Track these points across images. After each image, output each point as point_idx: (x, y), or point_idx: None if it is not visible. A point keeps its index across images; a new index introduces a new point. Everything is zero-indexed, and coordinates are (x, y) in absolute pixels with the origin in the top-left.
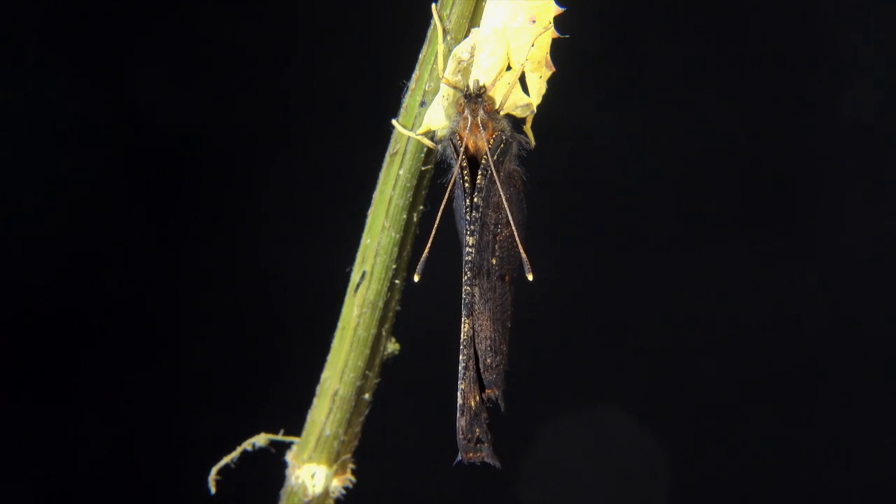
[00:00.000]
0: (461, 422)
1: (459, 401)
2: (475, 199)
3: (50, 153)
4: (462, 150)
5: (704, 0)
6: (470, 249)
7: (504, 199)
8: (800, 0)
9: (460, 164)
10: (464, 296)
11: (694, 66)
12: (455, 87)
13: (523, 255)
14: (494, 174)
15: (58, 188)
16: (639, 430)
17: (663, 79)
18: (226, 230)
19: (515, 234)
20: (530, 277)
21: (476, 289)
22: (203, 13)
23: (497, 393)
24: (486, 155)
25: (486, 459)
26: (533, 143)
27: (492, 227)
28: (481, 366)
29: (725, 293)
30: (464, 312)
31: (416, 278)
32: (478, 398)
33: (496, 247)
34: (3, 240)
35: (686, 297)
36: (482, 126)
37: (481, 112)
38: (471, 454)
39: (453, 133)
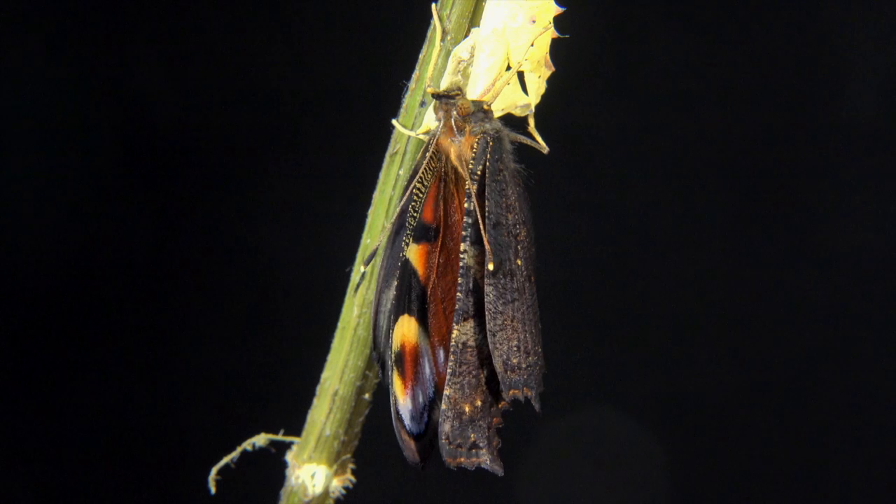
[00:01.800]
0: (444, 427)
1: (443, 407)
2: (465, 205)
3: (50, 152)
4: (431, 152)
5: (705, 0)
6: (462, 255)
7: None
8: (800, 0)
9: (423, 169)
10: (457, 301)
11: (694, 65)
12: (434, 94)
13: (487, 246)
14: (489, 177)
15: (58, 187)
16: (639, 430)
17: (663, 79)
18: (226, 230)
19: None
20: (491, 267)
21: (470, 295)
22: (203, 13)
23: (530, 394)
24: (471, 161)
25: (484, 465)
26: (545, 148)
27: (511, 227)
28: (504, 367)
29: (725, 293)
30: (455, 318)
31: (362, 268)
32: (479, 403)
33: (518, 247)
34: (2, 239)
35: (686, 296)
36: (456, 129)
37: (454, 114)
38: (461, 459)
39: (434, 135)
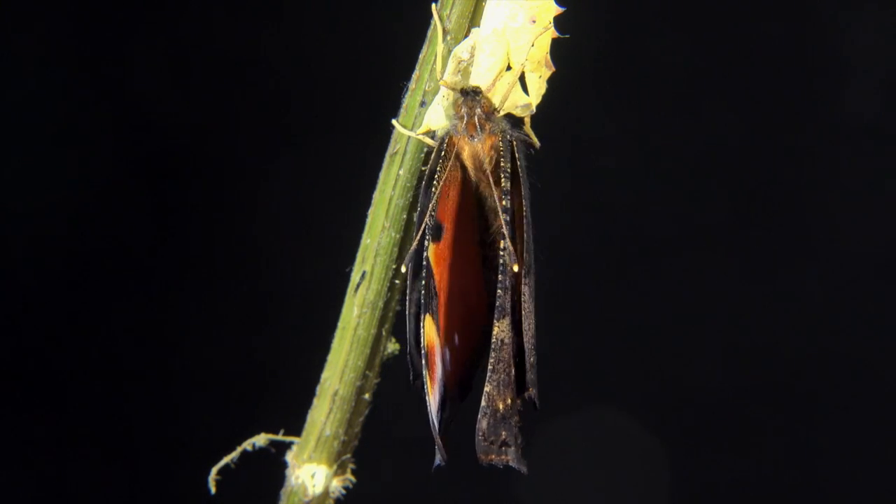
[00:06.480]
0: (482, 423)
1: (483, 403)
2: (503, 203)
3: (50, 154)
4: (446, 150)
5: (705, 0)
6: (502, 253)
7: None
8: (800, 0)
9: (449, 168)
10: (497, 299)
11: (694, 65)
12: (453, 88)
13: (509, 245)
14: (523, 175)
15: (58, 188)
16: (639, 430)
17: (663, 79)
18: (226, 230)
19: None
20: (516, 268)
21: (508, 293)
22: (204, 13)
23: (533, 392)
24: (502, 158)
25: (511, 463)
26: (537, 143)
27: (530, 225)
28: (526, 365)
29: (725, 293)
30: (495, 315)
31: (402, 269)
32: (509, 401)
33: (532, 244)
34: (3, 240)
35: (686, 297)
36: (479, 126)
37: (478, 111)
38: (493, 456)
39: (447, 134)
